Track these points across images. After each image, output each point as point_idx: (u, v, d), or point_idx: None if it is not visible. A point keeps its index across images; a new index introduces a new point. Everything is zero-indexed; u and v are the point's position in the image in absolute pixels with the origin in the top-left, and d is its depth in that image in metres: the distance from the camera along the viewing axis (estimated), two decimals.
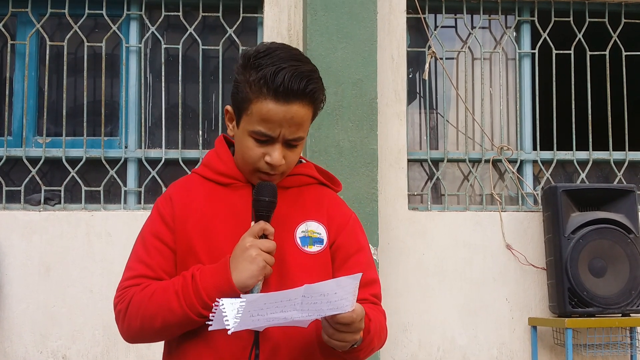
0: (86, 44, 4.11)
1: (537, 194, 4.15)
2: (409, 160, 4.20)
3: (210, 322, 1.24)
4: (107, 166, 4.03)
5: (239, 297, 1.25)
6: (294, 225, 1.49)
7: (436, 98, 4.38)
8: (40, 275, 3.83)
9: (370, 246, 3.50)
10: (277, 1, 4.11)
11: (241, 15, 4.20)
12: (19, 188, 3.99)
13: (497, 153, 4.21)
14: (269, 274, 1.38)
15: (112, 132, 4.18)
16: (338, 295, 1.23)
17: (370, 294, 1.52)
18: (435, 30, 4.25)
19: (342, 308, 1.25)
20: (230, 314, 1.21)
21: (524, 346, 4.01)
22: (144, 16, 4.17)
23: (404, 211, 4.06)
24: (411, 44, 4.28)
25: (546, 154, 4.29)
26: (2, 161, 3.99)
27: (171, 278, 1.43)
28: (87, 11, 4.11)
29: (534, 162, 4.31)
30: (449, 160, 4.25)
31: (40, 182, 4.01)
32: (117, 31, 4.12)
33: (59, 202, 4.00)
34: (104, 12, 4.11)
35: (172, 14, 4.18)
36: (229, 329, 1.21)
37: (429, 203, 4.17)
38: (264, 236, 1.39)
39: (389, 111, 4.08)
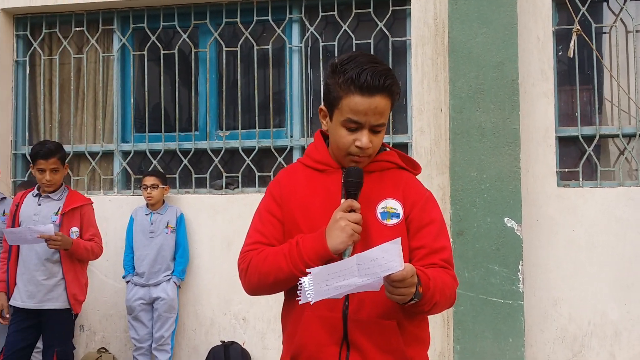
0: (255, 47, 5.23)
1: None
2: (560, 138, 4.71)
3: (299, 298, 1.70)
4: (276, 154, 5.11)
5: (332, 260, 1.72)
6: (376, 202, 1.94)
7: (587, 74, 4.80)
8: (223, 249, 5.02)
9: (514, 222, 4.23)
10: None
11: (390, 8, 5.03)
12: (205, 175, 5.24)
13: None
14: (357, 241, 1.83)
15: (280, 123, 5.25)
16: (385, 259, 1.63)
17: (439, 259, 1.92)
18: (584, 6, 4.68)
19: (393, 268, 1.64)
20: (309, 288, 1.66)
21: None
22: (304, 18, 5.19)
23: (553, 188, 4.60)
24: (560, 22, 4.77)
25: None
26: (191, 153, 5.26)
27: (280, 244, 1.93)
28: (255, 18, 5.23)
29: None
30: (602, 136, 4.68)
31: (222, 169, 5.22)
32: (281, 34, 5.19)
33: (238, 187, 5.18)
34: (269, 17, 5.21)
35: (328, 13, 5.14)
36: (310, 301, 1.67)
37: (581, 179, 4.64)
38: (352, 211, 1.84)
39: (535, 90, 4.66)
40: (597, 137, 4.67)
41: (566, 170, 4.72)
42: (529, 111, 4.64)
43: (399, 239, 1.65)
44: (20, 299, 3.93)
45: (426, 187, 2.06)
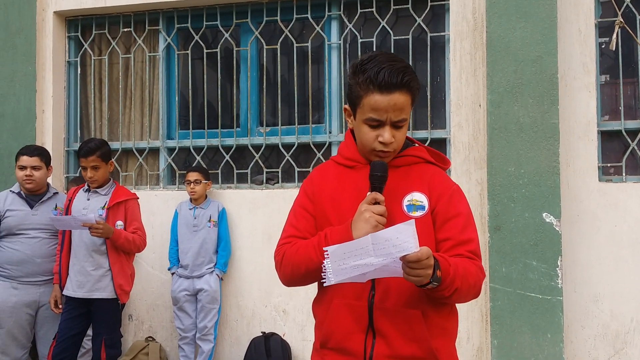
0: (295, 44, 5.31)
1: None
2: (603, 132, 4.63)
3: (324, 280, 1.79)
4: (315, 150, 5.19)
5: None
6: (402, 195, 2.00)
7: (632, 67, 4.70)
8: (263, 242, 5.13)
9: (552, 217, 4.20)
10: None
11: (429, 3, 5.04)
12: (246, 171, 5.36)
13: None
14: None
15: (319, 119, 5.33)
16: (400, 239, 1.68)
17: (465, 250, 1.96)
18: None
19: (408, 249, 1.69)
20: (329, 269, 1.75)
21: None
22: (342, 15, 5.25)
23: (595, 183, 4.53)
24: (603, 14, 4.69)
25: None
26: (233, 149, 5.38)
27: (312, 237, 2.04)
28: (295, 16, 5.32)
29: None
30: None
31: (262, 165, 5.33)
32: (320, 31, 5.26)
33: (278, 182, 5.28)
34: (309, 15, 5.28)
35: (367, 10, 5.18)
36: (331, 281, 1.76)
37: (624, 174, 4.56)
38: (377, 203, 1.90)
39: (576, 84, 4.59)
40: None
41: (609, 165, 4.64)
42: (570, 105, 4.58)
43: (412, 221, 1.70)
44: (72, 289, 4.12)
45: (455, 182, 2.10)
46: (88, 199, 4.19)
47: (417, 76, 1.98)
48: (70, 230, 4.14)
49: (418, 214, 1.98)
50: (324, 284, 1.79)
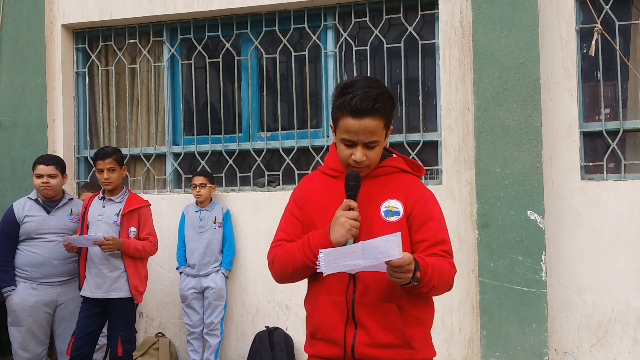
0: (293, 53, 5.60)
1: None
2: (585, 133, 4.91)
3: (317, 267, 2.05)
4: (314, 153, 5.49)
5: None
6: (380, 202, 2.24)
7: (612, 70, 4.97)
8: (266, 242, 5.40)
9: (536, 215, 4.49)
10: None
11: (419, 13, 5.32)
12: (248, 174, 5.65)
13: None
14: (355, 235, 2.12)
15: (317, 124, 5.62)
16: (386, 247, 1.93)
17: (440, 249, 2.21)
18: (607, 5, 4.85)
19: (392, 256, 1.94)
20: (322, 263, 2.02)
21: None
22: (337, 25, 5.53)
23: (577, 181, 4.82)
24: (584, 21, 4.96)
25: None
26: (236, 153, 5.68)
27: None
28: (292, 26, 5.60)
29: None
30: (626, 131, 4.87)
31: (264, 168, 5.63)
32: (316, 40, 5.54)
33: (279, 184, 5.57)
34: (305, 25, 5.57)
35: (361, 19, 5.46)
36: (324, 272, 2.04)
37: (605, 173, 4.84)
38: (351, 209, 2.13)
39: (559, 88, 4.88)
40: (621, 132, 4.85)
41: (590, 164, 4.92)
42: (553, 108, 4.87)
43: (399, 233, 1.95)
44: (89, 290, 4.41)
45: (427, 188, 2.36)
46: (103, 206, 4.48)
47: (392, 101, 2.19)
48: (86, 233, 4.43)
49: (394, 218, 2.22)
50: (317, 271, 2.05)
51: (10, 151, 5.90)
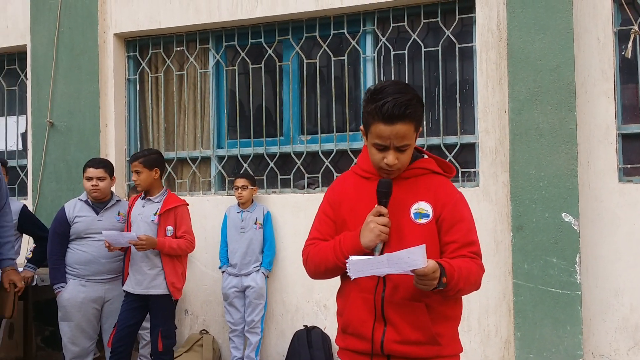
0: (333, 58, 5.74)
1: None
2: (624, 135, 4.88)
3: (347, 271, 2.14)
4: (352, 156, 5.62)
5: (365, 253, 2.17)
6: (410, 204, 2.29)
7: None
8: None
9: (571, 217, 4.50)
10: (487, 0, 5.17)
11: (457, 16, 5.37)
12: (289, 176, 5.82)
13: None
14: (384, 240, 2.20)
15: (356, 127, 5.73)
16: (411, 258, 2.01)
17: (468, 251, 2.27)
18: None
19: (417, 265, 2.02)
20: (349, 268, 2.11)
21: None
22: (376, 30, 5.63)
23: (615, 184, 4.79)
24: (623, 23, 4.93)
25: None
26: (277, 156, 5.86)
27: (332, 239, 2.36)
28: (332, 31, 5.75)
29: None
30: None
31: (304, 171, 5.78)
32: (356, 45, 5.67)
33: (318, 186, 5.72)
34: (345, 30, 5.71)
35: (399, 24, 5.55)
36: (352, 277, 2.13)
37: None
38: (381, 215, 2.20)
39: (596, 90, 4.86)
40: None
41: (629, 166, 4.88)
42: (590, 110, 4.85)
43: (423, 245, 2.02)
44: (131, 286, 4.66)
45: (457, 189, 2.41)
46: (143, 206, 4.72)
47: (421, 104, 2.25)
48: (129, 231, 4.68)
49: (423, 220, 2.27)
50: (347, 273, 2.14)
51: (65, 154, 6.24)
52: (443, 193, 2.33)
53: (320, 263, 2.35)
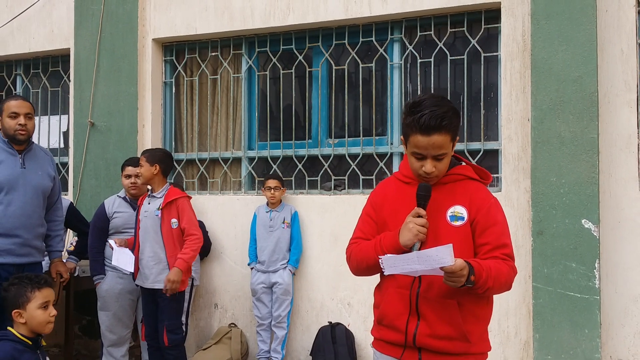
0: (361, 65, 5.84)
1: None
2: None
3: (383, 268, 2.31)
4: (378, 159, 5.71)
5: (404, 252, 2.31)
6: (446, 208, 2.42)
7: None
8: (331, 242, 5.69)
9: (591, 224, 4.55)
10: (513, 11, 5.24)
11: (483, 26, 5.43)
12: (316, 178, 5.94)
13: None
14: (422, 239, 2.33)
15: (382, 132, 5.83)
16: (438, 256, 2.15)
17: (501, 253, 2.37)
18: None
19: (444, 263, 2.15)
20: (383, 265, 2.29)
21: None
22: (404, 38, 5.72)
23: (636, 192, 4.81)
24: None
25: None
26: (305, 159, 5.98)
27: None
28: (361, 39, 5.85)
29: None
30: None
31: (331, 173, 5.89)
32: (383, 53, 5.76)
33: (344, 188, 5.82)
34: (373, 38, 5.80)
35: (426, 32, 5.63)
36: (385, 272, 2.31)
37: None
38: (419, 216, 2.33)
39: (618, 101, 4.89)
40: None
41: None
42: (612, 120, 4.88)
43: (450, 245, 2.15)
44: (141, 280, 4.75)
45: (496, 194, 2.56)
46: (149, 203, 4.78)
47: (458, 116, 2.36)
48: (139, 228, 4.75)
49: (458, 223, 2.40)
50: (384, 273, 2.32)
51: (104, 153, 6.44)
52: (478, 198, 2.44)
53: (362, 260, 2.49)
